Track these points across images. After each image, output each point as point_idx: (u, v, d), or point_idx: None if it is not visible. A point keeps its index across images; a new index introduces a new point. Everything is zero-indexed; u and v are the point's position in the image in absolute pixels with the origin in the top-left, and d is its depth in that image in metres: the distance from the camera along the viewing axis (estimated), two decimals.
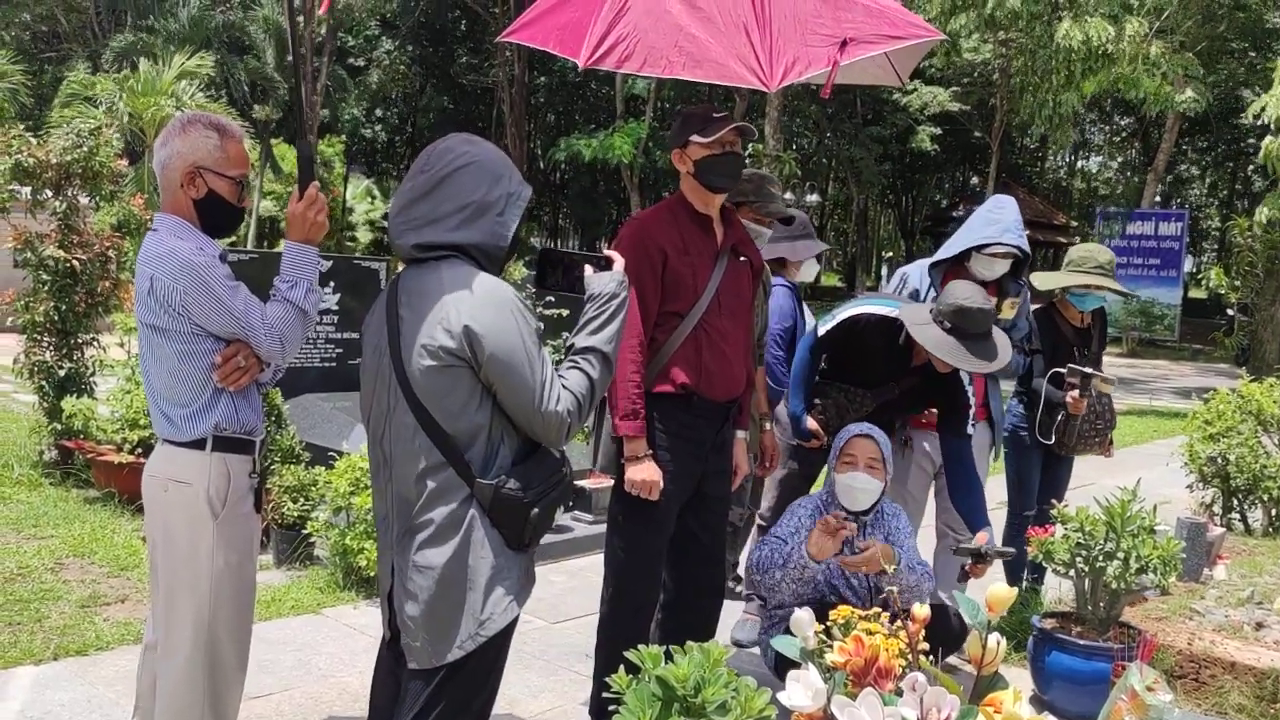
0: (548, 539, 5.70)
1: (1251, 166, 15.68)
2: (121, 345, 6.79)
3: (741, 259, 3.43)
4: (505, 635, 2.36)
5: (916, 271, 4.54)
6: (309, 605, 4.69)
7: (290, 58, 27.27)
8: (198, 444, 2.62)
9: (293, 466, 5.40)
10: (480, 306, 2.21)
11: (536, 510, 2.29)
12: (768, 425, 4.06)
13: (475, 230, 2.30)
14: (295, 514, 5.18)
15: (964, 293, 3.68)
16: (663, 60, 2.91)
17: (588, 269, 2.45)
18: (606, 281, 2.42)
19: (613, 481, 6.28)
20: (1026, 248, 4.25)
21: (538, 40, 3.10)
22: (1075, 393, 4.51)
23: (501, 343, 2.20)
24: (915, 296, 4.40)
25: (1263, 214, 15.25)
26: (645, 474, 3.21)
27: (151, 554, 2.74)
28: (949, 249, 4.34)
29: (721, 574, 3.63)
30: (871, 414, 3.99)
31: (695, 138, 3.22)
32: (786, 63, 2.93)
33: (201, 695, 2.65)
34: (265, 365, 2.73)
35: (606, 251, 2.52)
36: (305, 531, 5.18)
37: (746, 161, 3.28)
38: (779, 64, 2.92)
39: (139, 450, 5.91)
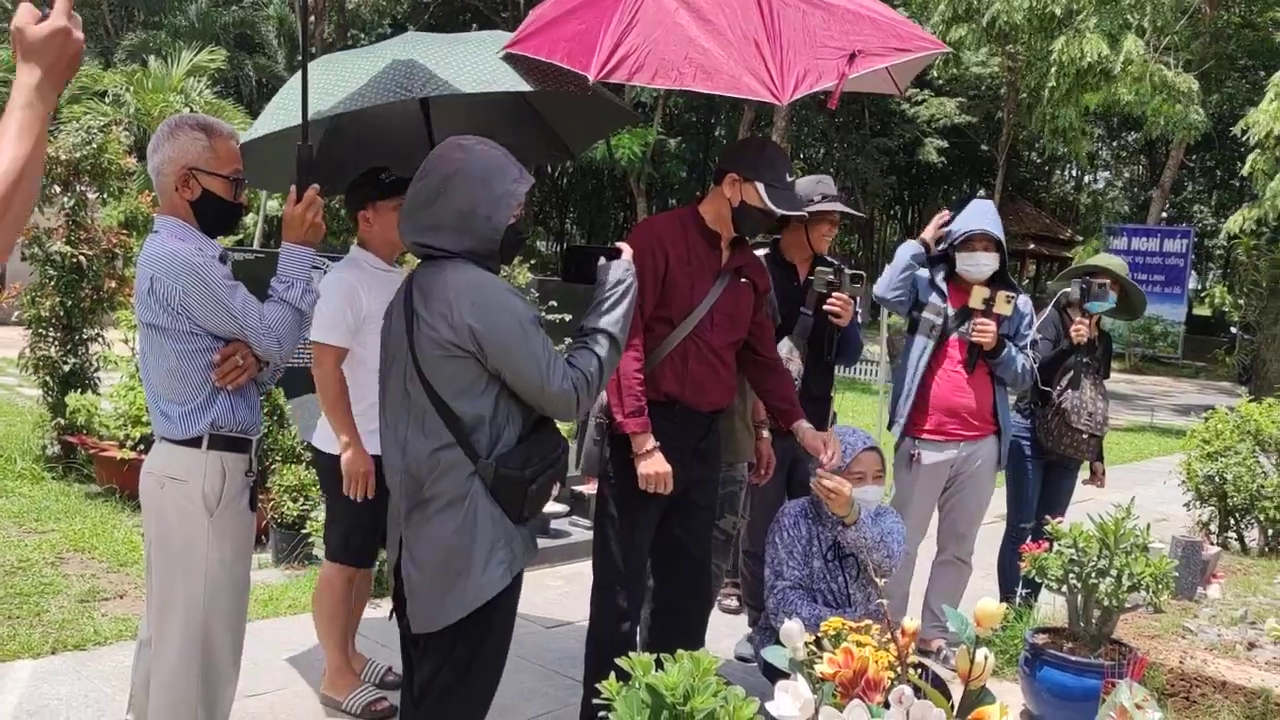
0: (545, 544, 5.72)
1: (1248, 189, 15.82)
2: (126, 341, 6.83)
3: (744, 280, 3.46)
4: (503, 608, 2.55)
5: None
6: (306, 605, 4.70)
7: (300, 57, 27.32)
8: (194, 442, 2.66)
9: (293, 466, 5.42)
10: (478, 306, 2.41)
11: (534, 486, 2.49)
12: (764, 433, 4.08)
13: (468, 236, 2.48)
14: (295, 513, 5.21)
15: (812, 177, 4.32)
16: (674, 72, 2.92)
17: (601, 259, 2.67)
18: (616, 269, 2.64)
19: None
20: (999, 235, 4.35)
21: (544, 52, 3.12)
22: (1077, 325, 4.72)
23: (500, 336, 2.41)
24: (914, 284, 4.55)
25: (1236, 223, 15.29)
26: (655, 467, 3.26)
27: (148, 550, 2.78)
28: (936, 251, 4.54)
29: (708, 581, 3.66)
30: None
31: (761, 188, 3.25)
32: (798, 75, 2.94)
33: (194, 692, 2.68)
34: (264, 365, 2.76)
35: (617, 244, 2.73)
36: (305, 531, 5.21)
37: None
38: (790, 76, 2.93)
39: (141, 447, 5.94)
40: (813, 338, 4.30)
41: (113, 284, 6.80)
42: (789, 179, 3.30)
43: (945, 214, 4.56)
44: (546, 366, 2.43)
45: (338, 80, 3.38)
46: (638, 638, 3.52)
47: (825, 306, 4.05)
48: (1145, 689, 2.93)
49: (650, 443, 3.27)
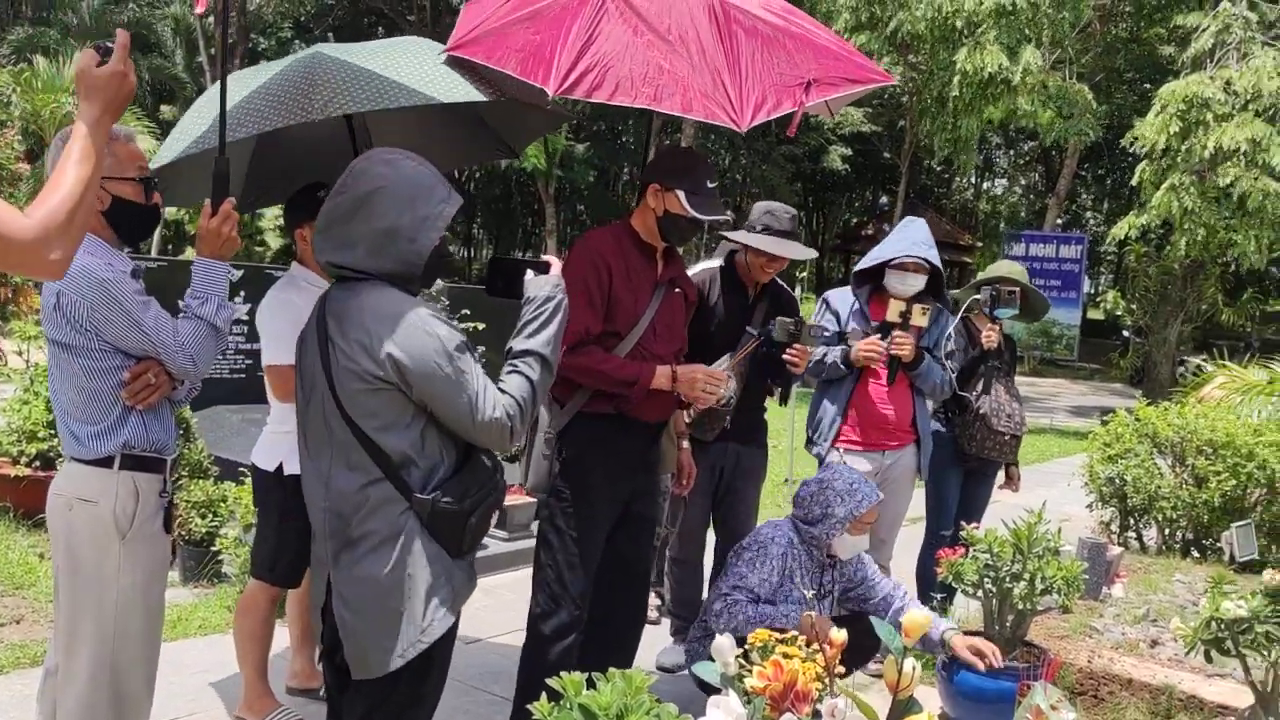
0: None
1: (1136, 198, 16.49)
2: (20, 354, 6.56)
3: (677, 290, 3.52)
4: (445, 644, 2.41)
5: (836, 294, 4.72)
6: (217, 625, 4.58)
7: (200, 59, 26.75)
8: (105, 462, 2.57)
9: (201, 481, 5.27)
10: (400, 334, 2.25)
11: (474, 519, 2.36)
12: (684, 444, 4.10)
13: (386, 258, 2.33)
14: (203, 530, 5.06)
15: (766, 205, 4.27)
16: (633, 90, 2.90)
17: (529, 273, 2.53)
18: (543, 285, 2.50)
19: (533, 500, 6.26)
20: (935, 260, 4.42)
21: (495, 60, 3.06)
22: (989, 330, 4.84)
23: (424, 367, 2.25)
24: (837, 317, 4.56)
25: (1123, 229, 15.89)
26: (690, 374, 3.34)
27: (55, 575, 2.67)
28: (864, 262, 4.58)
29: (646, 595, 3.67)
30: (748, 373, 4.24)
31: (682, 195, 3.26)
32: (756, 102, 2.97)
33: None
34: (177, 382, 2.68)
35: (545, 257, 2.60)
36: (214, 548, 5.06)
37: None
38: (749, 103, 2.96)
39: (36, 463, 5.71)
40: (762, 368, 4.32)
41: (6, 291, 6.54)
42: (710, 185, 3.32)
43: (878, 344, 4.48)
44: (477, 396, 2.28)
45: (263, 96, 3.26)
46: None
47: (784, 356, 4.09)
48: (1058, 690, 3.00)
49: (663, 370, 3.31)
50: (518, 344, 2.45)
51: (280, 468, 3.55)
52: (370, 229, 2.30)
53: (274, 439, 3.62)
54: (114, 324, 2.49)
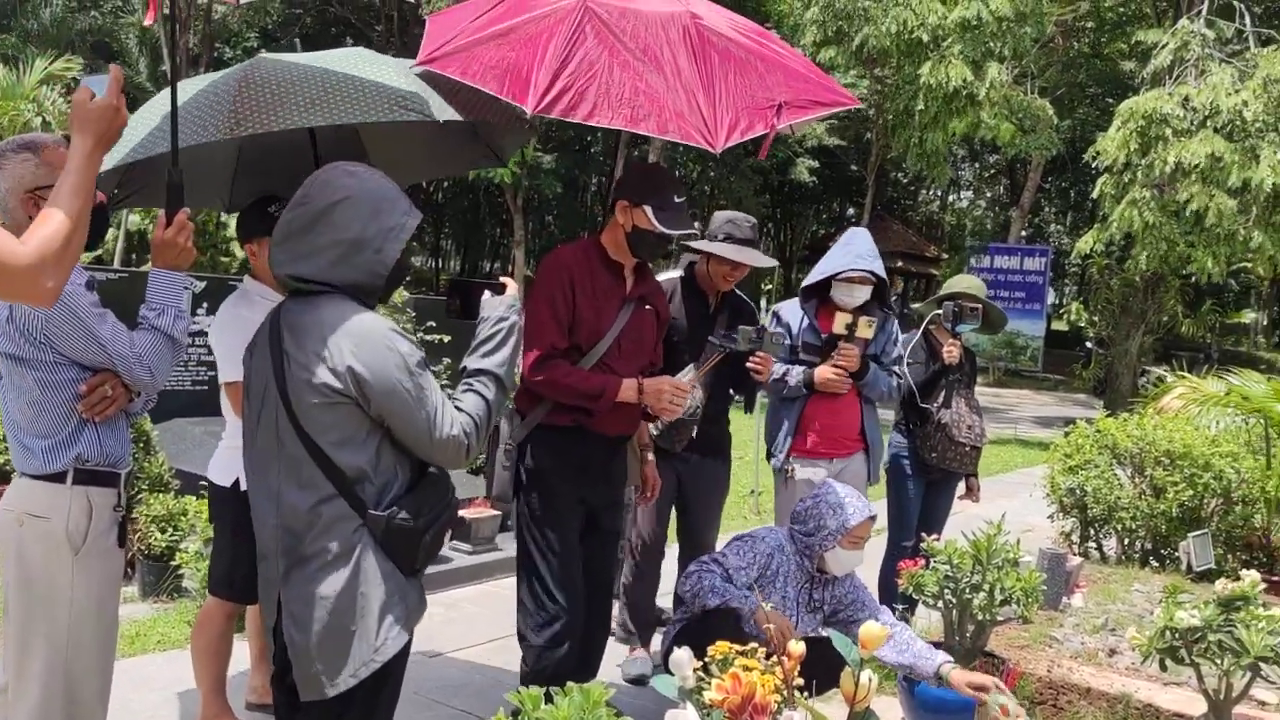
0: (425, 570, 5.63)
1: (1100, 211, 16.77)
2: None
3: (648, 307, 3.53)
4: (397, 664, 2.37)
5: (787, 307, 4.77)
6: (176, 640, 4.53)
7: (164, 67, 26.49)
8: (58, 477, 2.54)
9: (161, 495, 5.22)
10: (361, 348, 2.22)
11: (428, 536, 2.34)
12: (649, 456, 4.11)
13: (350, 268, 2.31)
14: (163, 544, 5.01)
15: (728, 214, 4.35)
16: (610, 111, 2.92)
17: (485, 294, 2.54)
18: (498, 305, 2.50)
19: (497, 513, 6.25)
20: (880, 272, 4.50)
21: (470, 76, 3.05)
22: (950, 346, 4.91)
23: (385, 382, 2.23)
24: (789, 330, 4.59)
25: (1087, 243, 16.10)
26: (657, 385, 3.34)
27: (5, 591, 2.63)
28: (811, 278, 4.64)
29: (609, 606, 3.68)
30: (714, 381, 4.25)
31: (649, 210, 3.29)
32: (729, 124, 2.99)
33: None
34: (134, 395, 2.66)
35: (503, 279, 2.60)
36: (174, 563, 5.01)
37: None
38: (723, 125, 2.97)
39: None
40: (726, 377, 4.35)
41: None
42: (677, 199, 3.35)
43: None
44: (436, 413, 2.27)
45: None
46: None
47: (748, 364, 4.15)
48: (1016, 699, 3.03)
49: (628, 383, 3.31)
50: (473, 363, 2.45)
51: (236, 483, 3.52)
52: (334, 240, 2.28)
53: (230, 454, 3.56)
54: (69, 337, 2.47)
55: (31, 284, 1.88)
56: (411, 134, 3.94)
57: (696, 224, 4.14)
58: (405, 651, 2.39)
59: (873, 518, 3.74)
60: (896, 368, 4.77)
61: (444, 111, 3.20)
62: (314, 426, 2.25)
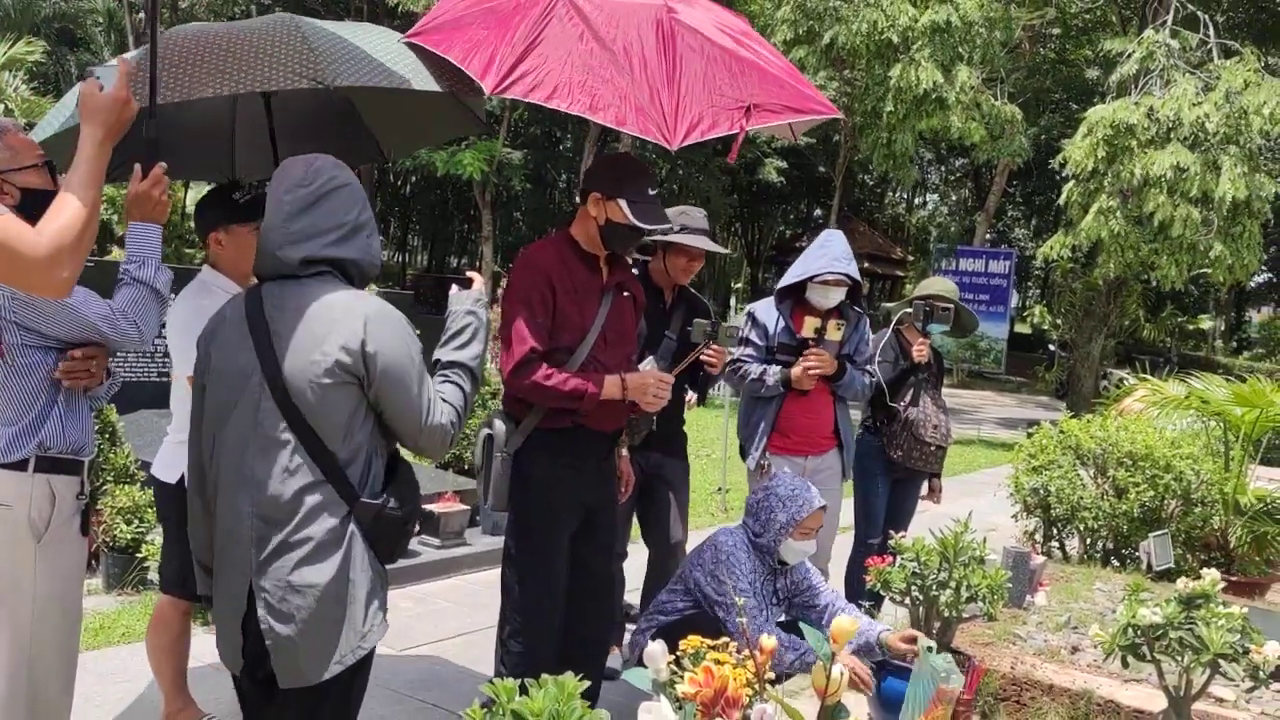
0: (393, 565, 5.61)
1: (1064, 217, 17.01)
2: None
3: (625, 294, 3.52)
4: (372, 653, 2.40)
5: (762, 307, 4.78)
6: (141, 632, 4.45)
7: (129, 54, 26.06)
8: (19, 465, 2.52)
9: (127, 486, 5.17)
10: (377, 326, 2.27)
11: (409, 526, 2.40)
12: (624, 451, 4.12)
13: (352, 247, 2.36)
14: (129, 536, 4.97)
15: (679, 208, 4.40)
16: (569, 97, 2.92)
17: (453, 288, 2.57)
18: (465, 299, 2.54)
19: (465, 508, 6.24)
20: (855, 275, 4.55)
21: (442, 47, 3.08)
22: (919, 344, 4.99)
23: (396, 362, 2.27)
24: (764, 331, 4.62)
25: (1052, 248, 16.30)
26: (640, 380, 3.35)
27: None
28: (787, 279, 4.66)
29: (611, 602, 3.69)
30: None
31: (624, 204, 3.26)
32: (690, 121, 2.98)
33: None
34: (103, 379, 2.65)
35: (469, 274, 2.64)
36: (139, 555, 4.96)
37: None
38: (683, 122, 2.97)
39: None
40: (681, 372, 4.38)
41: None
42: (651, 193, 3.34)
43: None
44: (431, 401, 2.33)
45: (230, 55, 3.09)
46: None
47: (702, 356, 4.15)
48: (947, 659, 3.07)
49: (612, 380, 3.31)
50: (445, 355, 2.49)
51: (182, 479, 3.31)
52: (338, 221, 2.34)
53: (176, 449, 3.41)
54: (40, 309, 2.45)
55: (47, 274, 1.92)
56: (399, 101, 3.92)
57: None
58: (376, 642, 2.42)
59: (823, 508, 3.77)
60: (869, 366, 4.82)
61: (427, 83, 3.19)
62: (310, 409, 2.24)
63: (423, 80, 3.15)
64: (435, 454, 2.45)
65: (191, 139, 3.86)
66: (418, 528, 6.02)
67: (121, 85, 2.21)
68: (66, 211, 1.96)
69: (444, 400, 2.39)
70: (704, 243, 4.29)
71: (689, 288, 4.55)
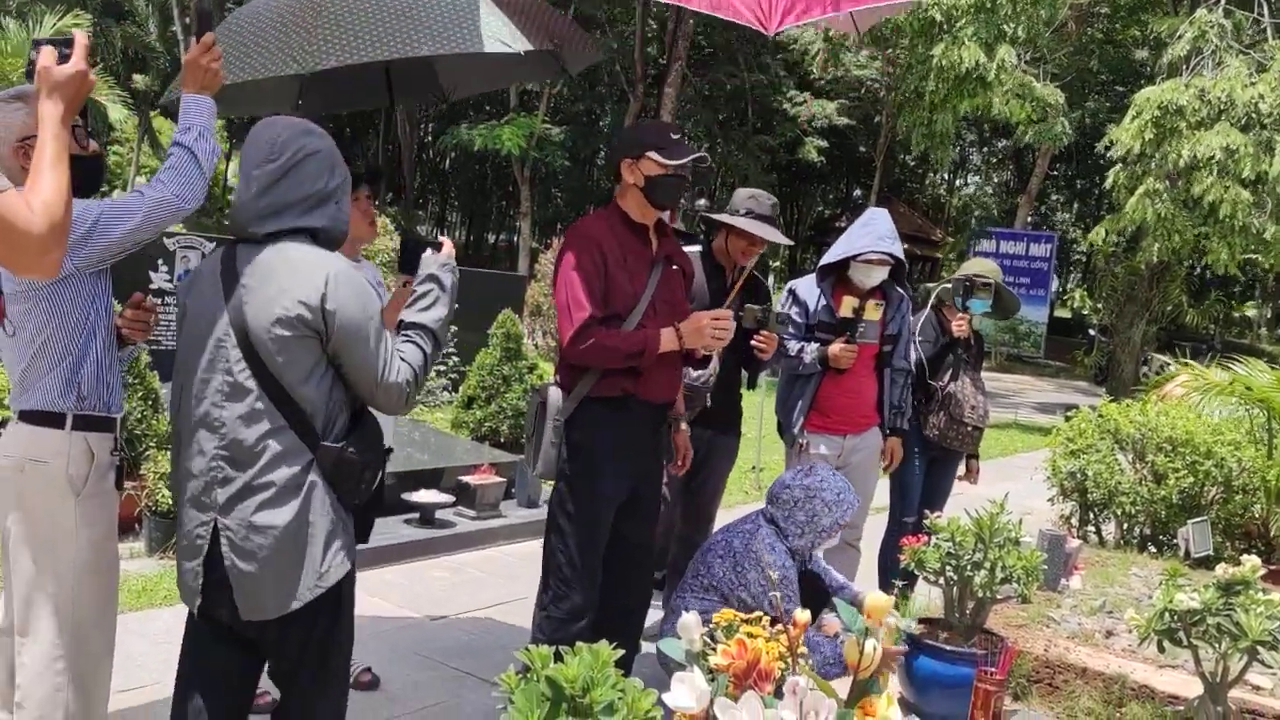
0: (429, 535, 5.67)
1: (1107, 201, 16.71)
2: None
3: (674, 266, 3.53)
4: (345, 587, 2.50)
5: (803, 285, 4.73)
6: None
7: (174, 28, 26.39)
8: (57, 421, 2.59)
9: (169, 452, 5.24)
10: (338, 285, 2.35)
11: (368, 473, 2.47)
12: (683, 425, 4.14)
13: (319, 216, 2.46)
14: (170, 501, 5.04)
15: (750, 191, 4.40)
16: None
17: (427, 252, 2.66)
18: (432, 263, 2.63)
19: (501, 480, 6.27)
20: (899, 254, 4.50)
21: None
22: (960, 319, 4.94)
23: (353, 319, 2.36)
24: (804, 309, 4.59)
25: (1099, 234, 16.09)
26: (693, 324, 3.35)
27: (4, 538, 2.67)
28: (829, 257, 4.60)
29: (650, 575, 3.71)
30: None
31: (654, 155, 3.30)
32: (785, 5, 2.95)
33: (67, 681, 2.60)
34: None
35: (441, 239, 2.72)
36: None
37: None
38: (778, 6, 2.93)
39: None
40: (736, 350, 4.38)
41: None
42: (674, 136, 3.36)
43: None
44: (388, 359, 2.42)
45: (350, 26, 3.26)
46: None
47: (752, 341, 4.16)
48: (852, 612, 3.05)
49: (667, 331, 3.33)
50: (409, 316, 2.56)
51: None
52: (305, 194, 2.42)
53: None
54: (100, 226, 2.51)
55: (43, 253, 1.91)
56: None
57: (703, 201, 4.15)
58: (351, 579, 2.52)
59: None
60: (906, 351, 4.78)
61: (518, 41, 3.24)
62: (272, 358, 2.33)
63: (522, 40, 3.23)
64: (393, 410, 2.52)
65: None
66: (449, 498, 6.07)
67: (80, 57, 2.17)
68: (46, 189, 1.94)
69: (403, 359, 2.47)
70: (765, 231, 4.26)
71: (755, 273, 4.52)
